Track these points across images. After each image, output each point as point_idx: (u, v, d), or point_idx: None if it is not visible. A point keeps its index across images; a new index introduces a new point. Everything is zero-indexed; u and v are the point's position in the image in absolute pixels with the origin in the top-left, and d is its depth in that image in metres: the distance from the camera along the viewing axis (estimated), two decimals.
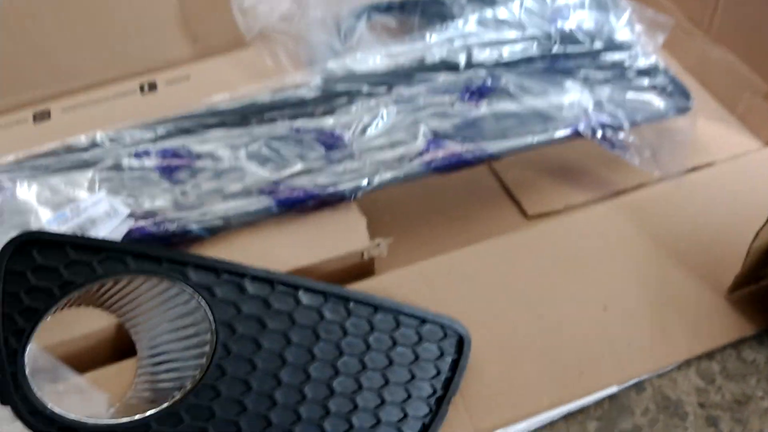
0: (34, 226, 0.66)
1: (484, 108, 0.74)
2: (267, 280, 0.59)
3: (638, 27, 0.80)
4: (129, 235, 0.65)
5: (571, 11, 0.81)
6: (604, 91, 0.74)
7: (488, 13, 0.81)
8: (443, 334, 0.60)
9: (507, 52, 0.79)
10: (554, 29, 0.80)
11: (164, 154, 0.73)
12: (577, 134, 0.71)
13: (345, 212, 0.69)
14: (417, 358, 0.59)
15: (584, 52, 0.79)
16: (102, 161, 0.72)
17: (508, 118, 0.73)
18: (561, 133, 0.71)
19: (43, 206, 0.67)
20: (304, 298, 0.59)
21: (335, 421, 0.56)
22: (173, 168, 0.72)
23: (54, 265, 0.55)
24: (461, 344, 0.60)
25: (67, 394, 0.58)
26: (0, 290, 0.53)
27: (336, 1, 0.80)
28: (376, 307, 0.60)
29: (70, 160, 0.73)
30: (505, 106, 0.73)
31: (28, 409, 0.52)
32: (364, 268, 0.70)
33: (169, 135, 0.77)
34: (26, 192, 0.68)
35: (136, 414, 0.54)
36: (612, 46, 0.79)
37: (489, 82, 0.75)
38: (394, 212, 0.77)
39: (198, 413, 0.54)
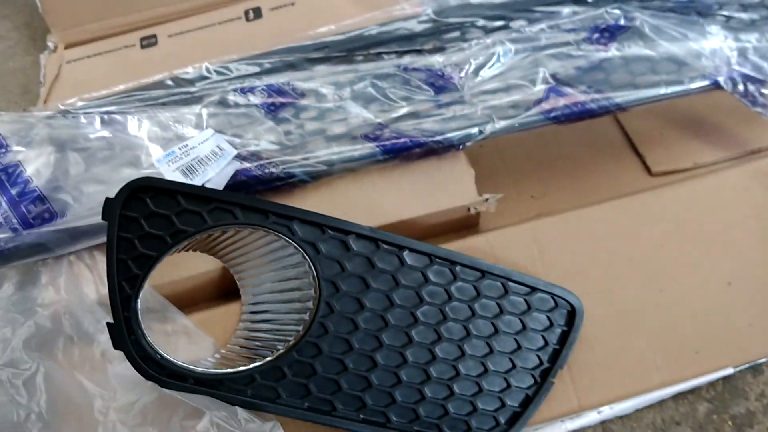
0: (144, 162, 0.66)
1: (613, 51, 0.67)
2: (372, 238, 0.57)
3: None
4: (234, 177, 0.65)
5: None
6: (751, 38, 0.65)
7: None
8: (554, 304, 0.57)
9: None
10: None
11: (269, 91, 0.71)
12: (715, 86, 0.64)
13: (452, 162, 0.66)
14: (524, 327, 0.57)
15: None
16: (209, 96, 0.71)
17: (640, 64, 0.66)
18: (698, 84, 0.64)
19: (153, 142, 0.67)
20: (409, 258, 0.57)
21: (435, 387, 0.55)
22: (278, 106, 0.70)
23: (166, 213, 0.55)
24: (572, 316, 0.57)
25: (174, 336, 0.60)
26: (115, 235, 0.54)
27: None
28: (483, 273, 0.57)
29: (177, 94, 0.72)
30: (638, 50, 0.66)
31: (140, 354, 0.53)
32: (468, 222, 0.67)
33: (274, 69, 0.75)
34: (136, 127, 0.68)
35: (240, 365, 0.55)
36: None
37: (621, 21, 0.67)
38: (504, 161, 0.73)
39: (300, 370, 0.54)
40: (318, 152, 0.66)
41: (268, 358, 0.55)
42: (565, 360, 0.56)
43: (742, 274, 0.61)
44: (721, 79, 0.63)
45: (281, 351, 0.55)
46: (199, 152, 0.66)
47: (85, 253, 0.65)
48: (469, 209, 0.65)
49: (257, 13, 0.81)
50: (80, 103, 0.74)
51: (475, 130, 0.65)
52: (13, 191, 0.65)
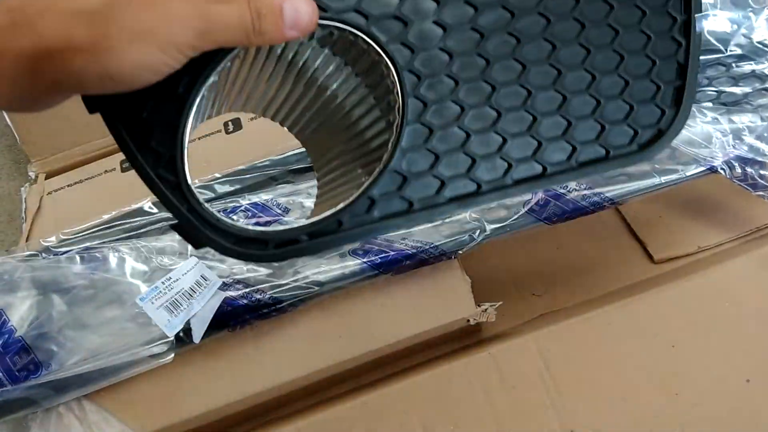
0: (127, 300, 0.64)
1: None
2: None
3: None
4: (221, 308, 0.63)
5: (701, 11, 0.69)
6: (744, 117, 0.63)
7: None
8: None
9: None
10: None
11: (253, 210, 0.69)
12: (712, 171, 0.62)
13: (446, 272, 0.63)
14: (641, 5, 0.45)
15: (716, 61, 0.68)
16: None
17: None
18: (692, 171, 0.62)
19: (135, 278, 0.65)
20: None
21: (581, 101, 0.44)
22: (262, 225, 0.68)
23: None
24: None
25: None
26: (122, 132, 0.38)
27: None
28: None
29: (159, 221, 0.71)
30: None
31: (231, 240, 0.39)
32: (469, 330, 0.64)
33: (257, 185, 0.73)
34: (117, 263, 0.66)
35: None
36: (750, 51, 0.68)
37: None
38: (501, 258, 0.70)
39: (419, 162, 0.42)
40: (306, 272, 0.64)
41: (378, 168, 0.42)
42: (700, 3, 0.45)
43: (760, 369, 0.57)
44: (717, 165, 0.61)
45: (388, 152, 0.42)
46: (183, 284, 0.64)
47: (74, 403, 0.62)
48: (468, 321, 0.62)
49: (236, 124, 0.80)
50: (62, 238, 0.72)
51: (465, 236, 0.63)
52: None
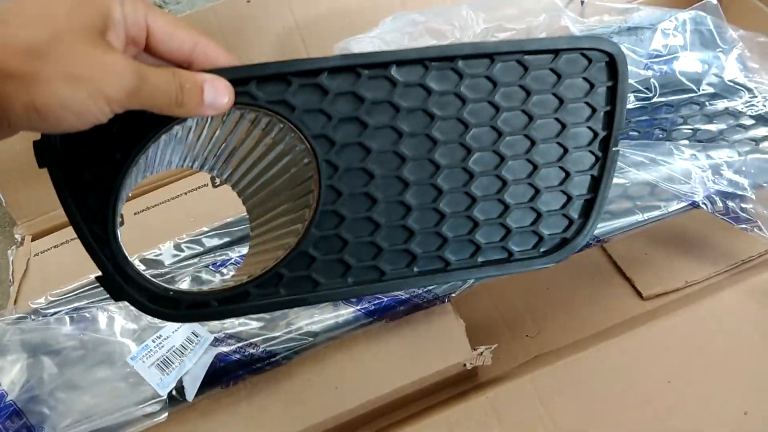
0: (118, 360, 0.63)
1: None
2: (347, 68, 0.45)
3: (752, 63, 0.71)
4: (213, 364, 0.62)
5: (671, 53, 0.72)
6: (721, 152, 0.64)
7: None
8: (587, 61, 0.48)
9: None
10: (652, 76, 0.71)
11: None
12: (694, 206, 0.63)
13: (440, 316, 0.63)
14: (562, 102, 0.47)
15: (690, 100, 0.70)
16: (180, 276, 0.69)
17: (612, 193, 0.65)
18: (674, 207, 0.63)
19: (125, 337, 0.65)
20: (399, 75, 0.46)
21: (485, 207, 0.47)
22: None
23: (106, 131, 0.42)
24: (613, 65, 0.47)
25: None
26: (61, 181, 0.41)
27: None
28: (491, 56, 0.47)
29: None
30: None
31: (147, 296, 0.43)
32: (466, 374, 0.64)
33: (246, 237, 0.73)
34: (107, 322, 0.66)
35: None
36: (722, 90, 0.70)
37: None
38: (493, 300, 0.71)
39: (328, 245, 0.45)
40: (299, 323, 0.64)
41: (289, 248, 0.45)
42: (623, 119, 0.47)
43: (757, 401, 0.57)
44: (698, 200, 0.62)
45: (300, 234, 0.45)
46: (173, 341, 0.64)
47: None
48: (464, 365, 0.62)
49: None
50: (50, 299, 0.71)
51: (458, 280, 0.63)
52: None
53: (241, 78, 0.43)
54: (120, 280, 0.42)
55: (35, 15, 0.35)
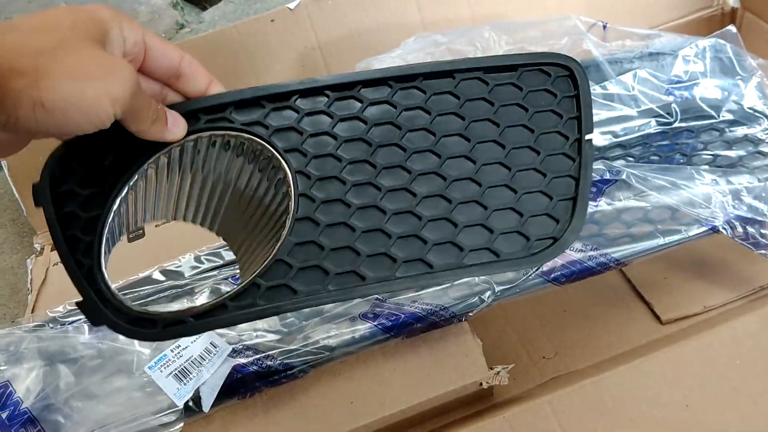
0: (135, 369, 0.64)
1: (603, 204, 0.66)
2: (316, 90, 0.49)
3: None
4: (231, 375, 0.62)
5: (691, 79, 0.73)
6: (742, 178, 0.65)
7: (596, 87, 0.73)
8: (547, 74, 0.50)
9: (621, 131, 0.71)
10: (673, 101, 0.72)
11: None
12: (714, 231, 0.63)
13: (457, 335, 0.63)
14: (526, 110, 0.49)
15: (710, 126, 0.71)
16: (200, 288, 0.69)
17: (632, 214, 0.65)
18: (695, 231, 0.63)
19: (143, 346, 0.65)
20: (368, 94, 0.49)
21: (465, 209, 0.47)
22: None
23: (96, 167, 0.47)
24: (573, 77, 0.50)
25: None
26: (54, 217, 0.45)
27: None
28: (451, 73, 0.50)
29: (167, 288, 0.71)
30: (628, 202, 0.66)
31: (125, 320, 0.44)
32: (482, 394, 0.64)
33: None
34: None
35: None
36: (742, 117, 0.71)
37: (607, 175, 0.67)
38: (510, 321, 0.71)
39: (305, 253, 0.46)
40: (316, 337, 0.64)
41: (266, 260, 0.46)
42: (591, 123, 0.49)
43: None
44: (718, 225, 0.62)
45: (276, 245, 0.46)
46: (192, 352, 0.64)
47: None
48: (481, 384, 0.62)
49: None
50: (69, 308, 0.72)
51: (475, 299, 0.63)
52: (3, 415, 0.62)
53: (219, 104, 0.48)
54: (99, 306, 0.44)
55: (42, 25, 0.38)
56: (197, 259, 0.73)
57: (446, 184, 0.47)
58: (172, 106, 0.46)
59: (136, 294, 0.71)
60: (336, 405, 0.62)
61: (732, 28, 0.77)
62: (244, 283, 0.45)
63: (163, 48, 0.45)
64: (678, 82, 0.72)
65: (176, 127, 0.46)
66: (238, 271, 0.70)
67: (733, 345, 0.60)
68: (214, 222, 0.54)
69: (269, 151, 0.48)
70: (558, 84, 0.50)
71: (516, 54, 0.52)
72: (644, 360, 0.60)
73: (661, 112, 0.71)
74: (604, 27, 0.77)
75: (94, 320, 0.44)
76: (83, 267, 0.45)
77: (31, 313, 0.75)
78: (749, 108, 0.71)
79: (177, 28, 1.39)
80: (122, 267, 0.73)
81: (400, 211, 0.47)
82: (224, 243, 0.74)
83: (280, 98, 0.49)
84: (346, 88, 0.49)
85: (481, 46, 0.75)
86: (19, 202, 0.84)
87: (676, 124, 0.71)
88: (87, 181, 0.46)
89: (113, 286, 0.45)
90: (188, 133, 0.47)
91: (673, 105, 0.71)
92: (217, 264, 0.73)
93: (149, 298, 0.70)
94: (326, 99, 0.49)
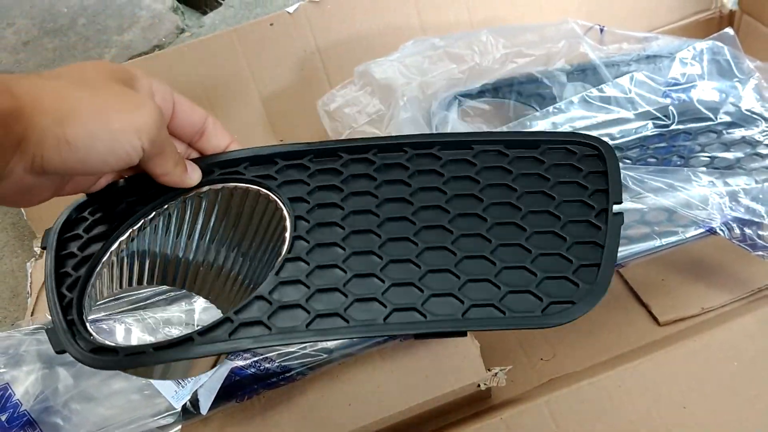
0: None
1: None
2: (328, 151, 0.50)
3: None
4: (229, 377, 0.62)
5: (688, 82, 0.73)
6: (739, 180, 0.65)
7: (593, 90, 0.74)
8: (572, 153, 0.48)
9: (618, 134, 0.72)
10: (670, 103, 0.72)
11: None
12: (711, 232, 0.63)
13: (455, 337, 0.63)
14: (547, 180, 0.47)
15: (707, 128, 0.71)
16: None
17: (629, 216, 0.65)
18: (692, 233, 0.63)
19: None
20: (380, 159, 0.49)
21: (469, 264, 0.43)
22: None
23: (107, 216, 0.49)
24: (601, 156, 0.47)
25: None
26: (53, 256, 0.47)
27: (427, 98, 0.74)
28: (469, 144, 0.49)
29: (166, 291, 0.71)
30: (625, 204, 0.65)
31: (89, 348, 0.43)
32: (480, 395, 0.64)
33: None
34: (124, 335, 0.66)
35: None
36: (739, 119, 0.71)
37: None
38: None
39: (287, 290, 0.43)
40: None
41: (248, 296, 0.43)
42: (620, 194, 0.45)
43: None
44: (715, 226, 0.62)
45: (261, 282, 0.44)
46: None
47: None
48: (479, 385, 0.62)
49: None
50: None
51: None
52: (3, 417, 0.62)
53: (234, 159, 0.50)
54: (63, 335, 0.43)
55: (67, 70, 0.40)
56: None
57: (453, 237, 0.44)
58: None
59: (134, 297, 0.71)
60: (334, 407, 0.62)
61: (729, 30, 0.77)
62: (218, 320, 0.42)
63: (190, 106, 0.46)
64: (675, 84, 0.73)
65: (194, 173, 0.47)
66: None
67: (730, 346, 0.60)
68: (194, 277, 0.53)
69: (274, 201, 0.48)
70: (584, 161, 0.47)
71: (540, 131, 0.50)
72: (642, 361, 0.60)
73: (659, 115, 0.72)
74: (601, 30, 0.77)
75: (56, 348, 0.43)
76: (64, 299, 0.45)
77: (31, 316, 0.75)
78: (747, 110, 0.71)
79: (177, 33, 1.39)
80: None
81: (399, 259, 0.44)
82: None
83: (294, 156, 0.50)
84: (361, 151, 0.50)
85: (478, 50, 0.75)
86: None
87: (673, 127, 0.71)
88: (94, 227, 0.48)
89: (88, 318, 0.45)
90: (201, 184, 0.49)
91: (671, 107, 0.72)
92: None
93: (148, 301, 0.70)
94: (340, 159, 0.50)
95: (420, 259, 0.44)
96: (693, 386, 0.59)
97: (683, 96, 0.72)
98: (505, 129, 0.48)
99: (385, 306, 0.42)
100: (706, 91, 0.72)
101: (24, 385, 0.64)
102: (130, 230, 0.47)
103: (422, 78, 0.75)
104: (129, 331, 0.66)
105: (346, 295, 0.42)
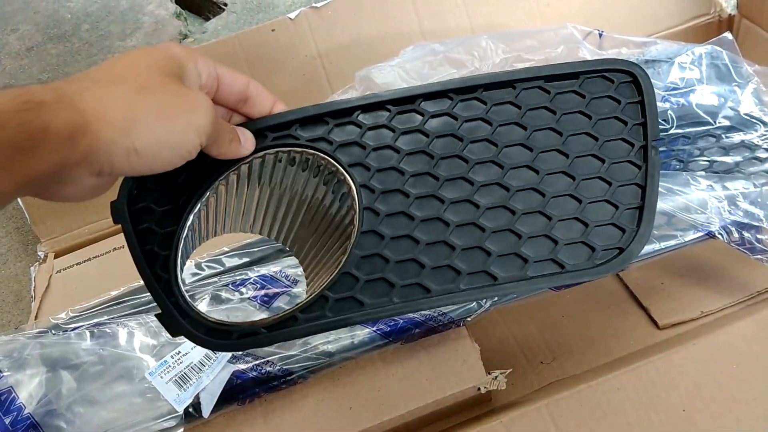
0: (136, 375, 0.64)
1: None
2: (376, 105, 0.50)
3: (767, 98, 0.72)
4: (230, 381, 0.63)
5: (687, 86, 0.73)
6: (737, 183, 0.65)
7: None
8: (609, 82, 0.50)
9: None
10: (669, 108, 0.72)
11: (262, 282, 0.70)
12: (710, 236, 0.63)
13: (455, 340, 0.64)
14: (590, 118, 0.49)
15: (706, 132, 0.71)
16: (201, 294, 0.70)
17: None
18: (691, 236, 0.63)
19: (144, 353, 0.65)
20: (428, 107, 0.50)
21: (528, 220, 0.47)
22: (271, 296, 0.69)
23: (170, 187, 0.49)
24: (637, 82, 0.49)
25: None
26: (131, 231, 0.47)
27: None
28: (511, 83, 0.50)
29: None
30: None
31: (201, 330, 0.45)
32: (480, 398, 0.64)
33: (265, 258, 0.75)
34: (127, 338, 0.66)
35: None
36: (738, 123, 0.71)
37: None
38: (508, 326, 0.71)
39: (370, 265, 0.46)
40: (315, 342, 0.64)
41: (334, 272, 0.47)
42: (657, 128, 0.48)
43: None
44: (714, 230, 0.63)
45: (343, 257, 0.47)
46: (192, 358, 0.64)
47: None
48: (479, 389, 0.62)
49: None
50: (72, 314, 0.73)
51: (473, 304, 0.64)
52: (7, 420, 0.63)
53: (283, 122, 0.50)
54: (178, 317, 0.45)
55: (122, 72, 0.40)
56: (198, 266, 0.74)
57: (509, 194, 0.47)
58: (240, 125, 0.49)
59: (138, 300, 0.72)
60: (335, 410, 0.62)
61: (728, 35, 0.77)
62: (313, 296, 0.46)
63: (232, 76, 0.47)
64: (674, 89, 0.73)
65: (248, 142, 0.48)
66: (237, 277, 0.71)
67: (729, 350, 0.60)
68: (281, 233, 0.55)
69: (333, 166, 0.49)
70: (621, 90, 0.50)
71: (578, 61, 0.51)
72: (641, 365, 0.60)
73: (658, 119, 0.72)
74: (600, 35, 0.77)
75: (173, 332, 0.45)
76: (161, 280, 0.46)
77: (35, 319, 0.75)
78: (746, 114, 0.71)
79: (180, 39, 1.40)
80: (125, 274, 0.74)
81: (463, 223, 0.47)
82: (224, 250, 0.76)
83: (342, 114, 0.50)
84: (407, 102, 0.50)
85: (478, 55, 0.76)
86: (23, 211, 0.85)
87: (672, 131, 0.71)
88: (162, 199, 0.48)
89: (189, 297, 0.46)
90: (256, 151, 0.49)
91: (670, 112, 0.72)
92: (218, 271, 0.74)
93: (150, 305, 0.71)
94: (388, 113, 0.50)
95: (482, 221, 0.47)
96: (692, 390, 0.59)
97: (682, 100, 0.73)
98: (549, 66, 0.50)
99: (458, 272, 0.46)
100: (705, 96, 0.72)
101: (28, 389, 0.64)
102: (199, 203, 0.48)
103: (422, 83, 0.75)
104: (132, 335, 0.66)
105: (422, 265, 0.46)
